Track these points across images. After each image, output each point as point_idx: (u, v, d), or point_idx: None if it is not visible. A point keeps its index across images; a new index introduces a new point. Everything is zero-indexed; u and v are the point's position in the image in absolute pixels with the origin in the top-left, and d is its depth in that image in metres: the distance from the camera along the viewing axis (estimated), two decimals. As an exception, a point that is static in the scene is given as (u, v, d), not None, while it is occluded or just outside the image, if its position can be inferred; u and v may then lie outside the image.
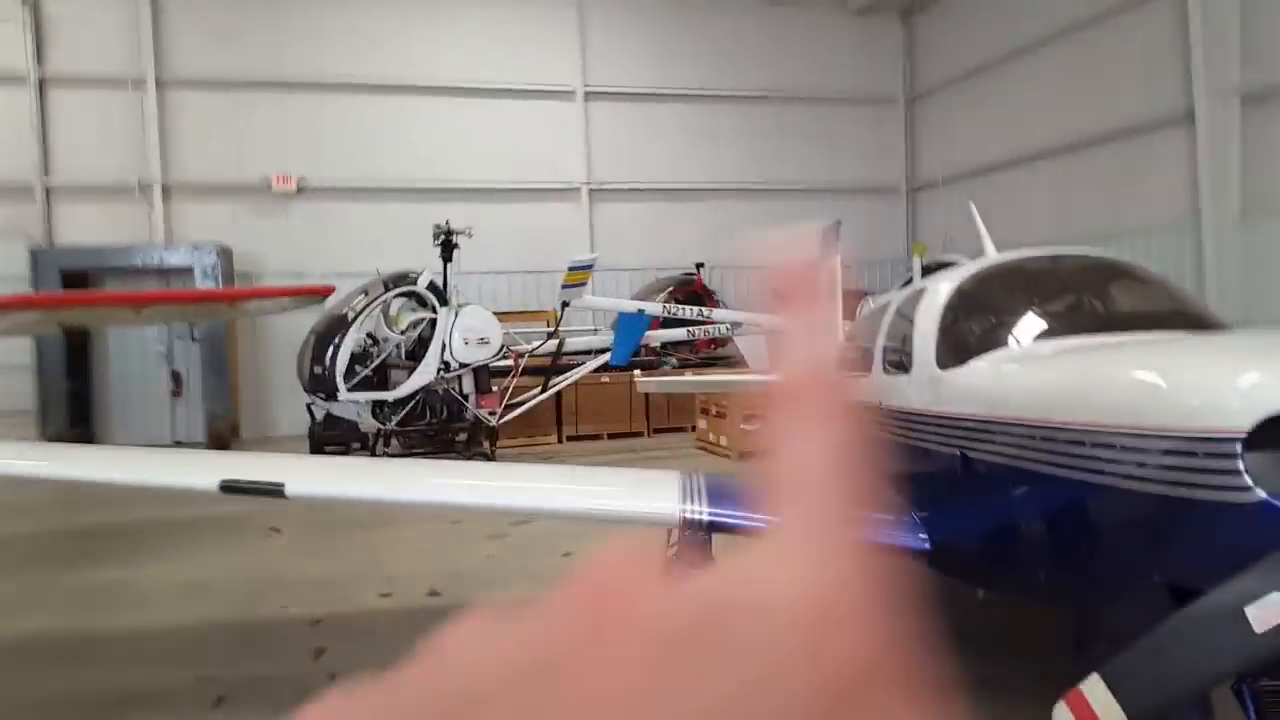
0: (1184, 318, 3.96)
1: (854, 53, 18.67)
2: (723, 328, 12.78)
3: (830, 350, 0.31)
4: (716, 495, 4.45)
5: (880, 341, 5.02)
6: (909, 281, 14.03)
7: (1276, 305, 10.87)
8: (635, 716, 0.22)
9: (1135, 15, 13.22)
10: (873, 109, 19.04)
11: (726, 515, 4.37)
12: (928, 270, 14.06)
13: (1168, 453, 2.72)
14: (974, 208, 5.70)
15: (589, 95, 17.00)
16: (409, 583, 6.66)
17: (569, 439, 13.75)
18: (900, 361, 4.68)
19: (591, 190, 17.11)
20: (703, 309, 12.95)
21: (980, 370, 3.82)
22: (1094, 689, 2.22)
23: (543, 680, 0.23)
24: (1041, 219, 15.30)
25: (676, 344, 13.67)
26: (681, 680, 0.22)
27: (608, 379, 13.26)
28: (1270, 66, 11.06)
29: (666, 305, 12.44)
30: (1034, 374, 3.48)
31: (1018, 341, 3.90)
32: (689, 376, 11.77)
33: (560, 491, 4.52)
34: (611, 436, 13.77)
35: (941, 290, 4.52)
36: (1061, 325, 3.95)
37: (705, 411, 12.37)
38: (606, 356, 12.16)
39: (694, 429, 13.28)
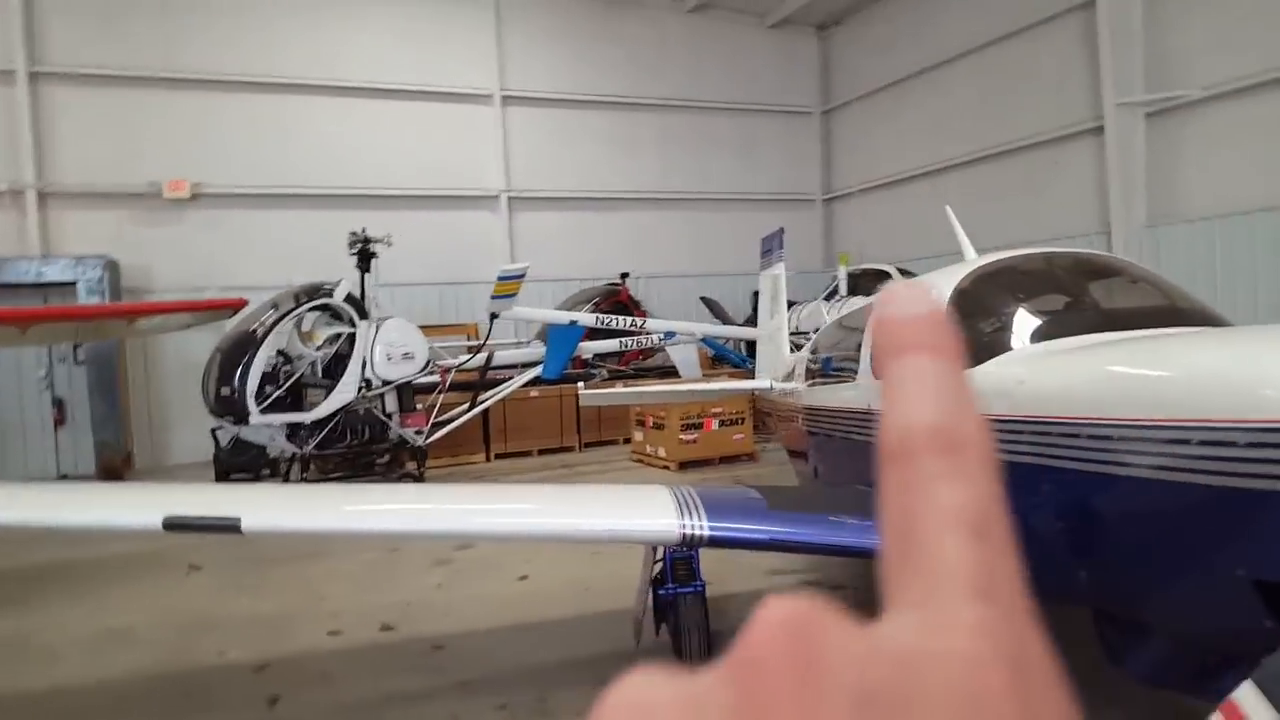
0: (1191, 314, 3.93)
1: (771, 64, 18.91)
2: (655, 337, 12.57)
3: (966, 398, 0.30)
4: (714, 509, 4.19)
5: (867, 348, 4.87)
6: (835, 290, 14.27)
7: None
8: None
9: (1045, 32, 13.82)
10: (789, 120, 19.29)
11: (728, 530, 4.12)
12: (854, 278, 14.32)
13: (1252, 445, 2.63)
14: (950, 211, 5.62)
15: (506, 100, 16.55)
16: (357, 618, 6.14)
17: (497, 456, 13.23)
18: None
19: (511, 198, 16.66)
20: (634, 319, 12.71)
21: (1003, 370, 3.66)
22: (1247, 697, 2.08)
23: None
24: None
25: (605, 355, 13.37)
26: None
27: (536, 393, 12.89)
28: (1171, 82, 11.65)
29: (599, 316, 12.13)
30: (1074, 371, 3.32)
31: (1033, 340, 3.79)
32: (622, 388, 11.48)
33: (553, 513, 4.16)
34: (541, 452, 13.33)
35: (941, 289, 4.38)
36: (1075, 323, 3.87)
37: (641, 423, 12.09)
38: (538, 370, 11.75)
39: (627, 441, 13.00)
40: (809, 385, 6.01)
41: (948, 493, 0.27)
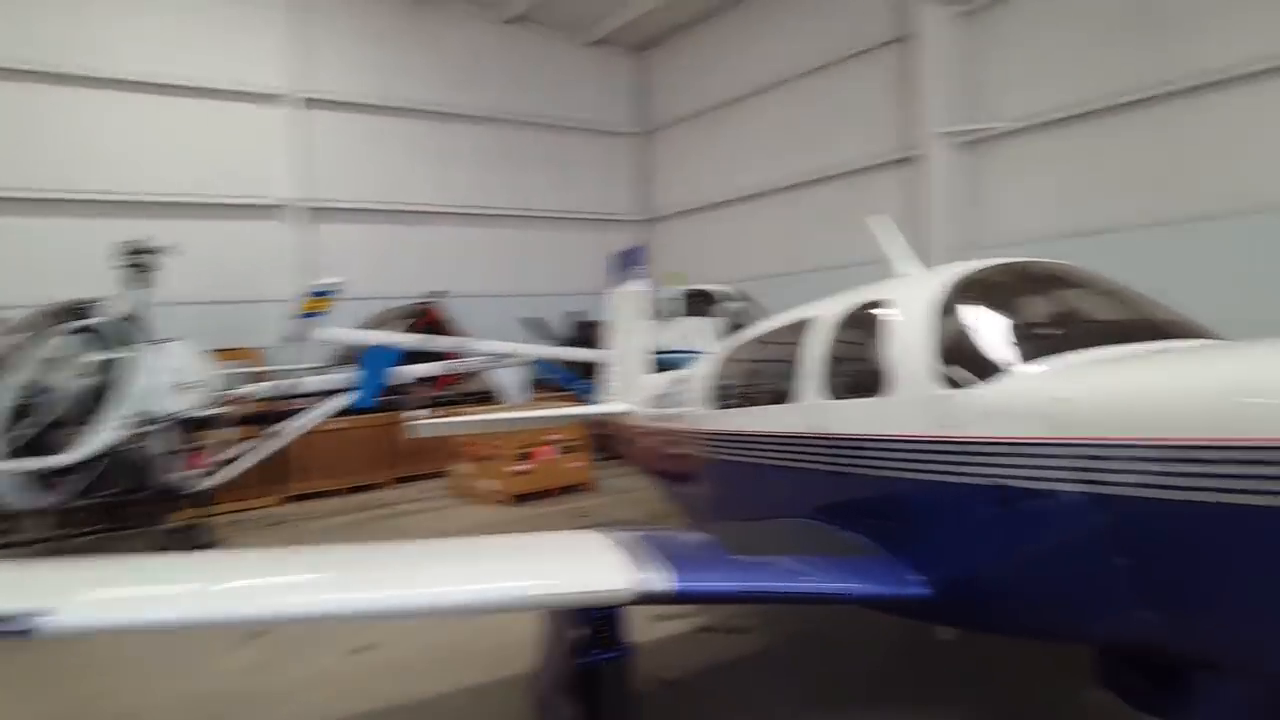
0: (1187, 327, 3.71)
1: (588, 83, 18.65)
2: (479, 360, 11.58)
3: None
4: (675, 556, 3.46)
5: (817, 365, 4.32)
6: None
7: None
8: None
9: (854, 65, 14.45)
10: (606, 140, 19.04)
11: (699, 584, 3.40)
12: (690, 298, 14.01)
13: None
14: (875, 221, 5.25)
15: (308, 103, 15.06)
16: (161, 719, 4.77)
17: (292, 499, 11.54)
18: (864, 383, 3.99)
19: (310, 209, 15.05)
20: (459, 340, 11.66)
21: (1031, 387, 3.20)
22: None
23: None
24: (776, 251, 15.95)
25: (424, 380, 12.16)
26: None
27: (342, 424, 11.46)
28: (982, 115, 12.40)
29: (425, 337, 10.97)
30: (1154, 388, 2.82)
31: (1038, 356, 3.37)
32: (459, 417, 10.37)
33: (484, 576, 3.26)
34: (349, 491, 11.85)
35: (921, 301, 3.92)
36: (1086, 337, 3.54)
37: (467, 455, 11.00)
38: (346, 398, 10.42)
39: (442, 474, 11.80)
40: (717, 408, 5.39)
41: None
